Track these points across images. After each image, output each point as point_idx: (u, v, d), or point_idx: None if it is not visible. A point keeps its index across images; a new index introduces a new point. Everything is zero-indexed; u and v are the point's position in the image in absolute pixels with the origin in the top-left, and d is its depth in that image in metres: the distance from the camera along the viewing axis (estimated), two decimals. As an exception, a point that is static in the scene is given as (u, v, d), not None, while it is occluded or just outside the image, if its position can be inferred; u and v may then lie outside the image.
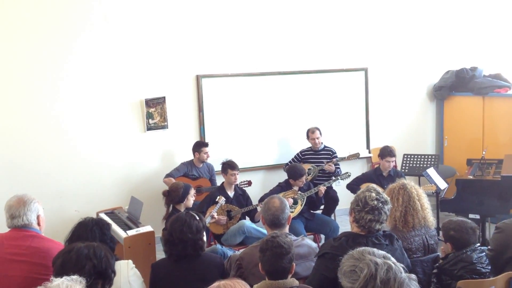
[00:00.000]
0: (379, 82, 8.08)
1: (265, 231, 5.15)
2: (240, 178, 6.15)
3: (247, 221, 5.76)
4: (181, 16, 6.86)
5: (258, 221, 5.94)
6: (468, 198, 5.71)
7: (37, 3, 6.20)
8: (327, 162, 6.76)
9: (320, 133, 6.97)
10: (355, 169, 7.12)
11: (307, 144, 7.10)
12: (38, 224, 3.45)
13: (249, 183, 6.46)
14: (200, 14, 6.95)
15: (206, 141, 6.95)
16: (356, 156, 6.88)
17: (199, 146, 6.63)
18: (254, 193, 6.57)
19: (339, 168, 6.91)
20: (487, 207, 5.64)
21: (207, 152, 6.61)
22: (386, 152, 6.41)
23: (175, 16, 6.84)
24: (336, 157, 7.00)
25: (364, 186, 3.65)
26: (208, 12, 6.99)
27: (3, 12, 6.09)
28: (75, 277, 2.32)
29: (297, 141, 7.37)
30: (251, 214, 6.01)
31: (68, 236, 3.34)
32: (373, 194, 3.22)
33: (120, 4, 6.58)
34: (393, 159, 6.43)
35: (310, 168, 6.77)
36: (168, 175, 6.53)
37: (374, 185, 3.41)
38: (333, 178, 6.48)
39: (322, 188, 6.17)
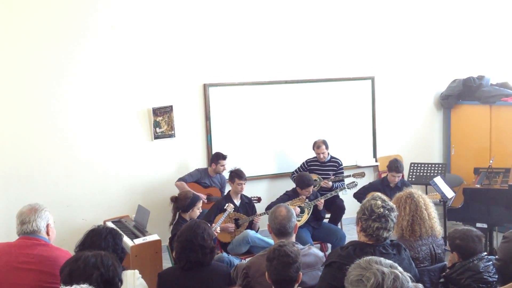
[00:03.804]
0: (386, 90, 8.07)
1: (269, 240, 5.17)
2: (246, 186, 6.14)
3: (251, 231, 5.75)
4: (188, 25, 6.90)
5: (257, 230, 5.94)
6: (476, 207, 5.70)
7: (43, 11, 6.25)
8: (326, 180, 6.73)
9: (326, 147, 6.93)
10: (360, 181, 7.10)
11: (313, 153, 7.08)
12: (48, 233, 3.47)
13: (259, 200, 6.46)
14: (208, 23, 6.99)
15: (213, 150, 7.00)
16: (361, 175, 6.84)
17: (217, 158, 6.64)
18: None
19: (343, 181, 6.89)
20: (495, 216, 5.62)
21: (224, 165, 6.64)
22: (393, 167, 6.35)
23: (182, 25, 6.88)
24: (342, 169, 6.99)
25: (370, 196, 3.65)
26: (215, 21, 7.02)
27: (11, 23, 6.15)
28: (84, 286, 2.33)
29: (303, 150, 7.36)
30: (252, 224, 6.01)
31: (79, 242, 3.33)
32: (379, 202, 3.21)
33: (127, 13, 6.62)
34: (399, 175, 6.37)
35: (316, 179, 6.76)
36: (180, 179, 6.54)
37: (379, 193, 3.41)
38: (333, 191, 6.47)
39: (320, 203, 6.15)
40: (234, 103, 7.22)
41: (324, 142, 6.95)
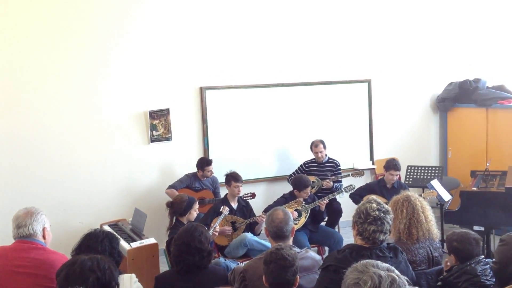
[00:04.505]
0: (383, 93, 8.09)
1: (267, 243, 5.16)
2: (243, 189, 6.14)
3: (249, 234, 5.74)
4: (184, 28, 6.90)
5: (259, 233, 5.93)
6: (473, 210, 5.70)
7: (38, 12, 6.23)
8: (327, 179, 6.75)
9: (324, 146, 6.96)
10: (358, 181, 7.10)
11: (310, 156, 7.09)
12: (44, 237, 3.46)
13: (253, 195, 6.45)
14: (204, 26, 6.99)
15: (210, 153, 7.02)
16: (360, 174, 6.87)
17: (202, 165, 6.61)
18: (257, 204, 6.57)
19: (341, 182, 6.89)
20: (492, 219, 5.63)
21: (210, 170, 6.62)
22: (391, 165, 6.38)
23: (179, 29, 6.88)
24: (339, 170, 7.01)
25: (365, 199, 3.65)
26: (212, 24, 7.03)
27: (8, 23, 6.15)
28: (80, 289, 2.32)
29: (300, 153, 7.38)
30: (252, 227, 6.00)
31: (76, 246, 3.32)
32: (374, 205, 3.21)
33: (123, 16, 6.62)
34: (397, 173, 6.40)
35: (314, 181, 6.76)
36: (171, 186, 6.54)
37: (374, 196, 3.42)
38: (335, 192, 6.47)
39: (322, 203, 6.15)
40: (231, 106, 7.22)
41: (322, 142, 6.97)
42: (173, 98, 6.92)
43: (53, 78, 6.36)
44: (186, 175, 6.71)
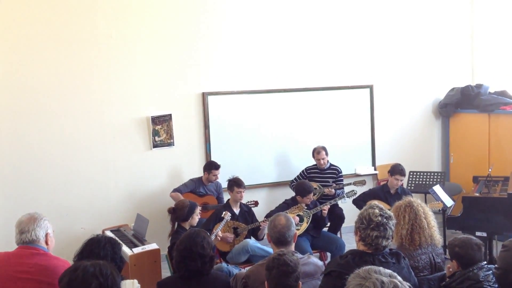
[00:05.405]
0: (385, 99, 8.09)
1: (269, 249, 5.16)
2: (245, 195, 6.14)
3: (251, 240, 5.74)
4: (187, 33, 6.92)
5: (262, 238, 5.93)
6: (475, 215, 5.69)
7: (42, 15, 6.26)
8: (329, 187, 6.74)
9: (326, 153, 6.95)
10: (360, 189, 7.08)
11: (312, 162, 7.08)
12: (47, 242, 3.46)
13: (256, 204, 6.45)
14: (206, 32, 7.01)
15: (212, 158, 7.01)
16: (362, 183, 6.83)
17: (210, 168, 6.63)
18: (259, 210, 6.55)
19: (343, 189, 6.89)
20: (494, 225, 5.62)
21: (216, 175, 6.63)
22: (398, 170, 6.36)
23: (180, 34, 6.89)
24: (341, 177, 7.00)
25: (367, 205, 3.65)
26: (214, 30, 7.05)
27: (12, 25, 6.16)
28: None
29: (302, 158, 7.37)
30: (255, 232, 5.99)
31: (78, 251, 3.32)
32: (376, 211, 3.21)
33: (125, 21, 6.64)
34: (403, 178, 6.38)
35: (316, 188, 6.75)
36: (175, 190, 6.54)
37: (376, 202, 3.41)
38: (337, 198, 6.47)
39: (325, 208, 6.15)
40: (233, 111, 7.23)
41: (324, 148, 6.97)
42: (175, 104, 6.93)
43: (56, 84, 6.38)
44: (191, 179, 6.72)
